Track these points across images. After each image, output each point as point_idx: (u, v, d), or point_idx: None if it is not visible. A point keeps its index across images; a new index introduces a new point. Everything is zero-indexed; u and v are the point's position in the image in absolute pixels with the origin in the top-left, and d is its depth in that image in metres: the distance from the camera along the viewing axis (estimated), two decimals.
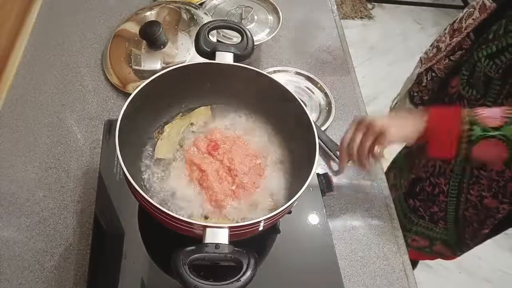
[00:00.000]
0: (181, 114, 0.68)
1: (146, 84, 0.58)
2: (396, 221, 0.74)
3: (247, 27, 0.71)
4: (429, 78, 0.88)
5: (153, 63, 0.84)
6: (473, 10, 0.79)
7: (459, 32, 0.81)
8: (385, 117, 0.66)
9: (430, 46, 0.90)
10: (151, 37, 0.83)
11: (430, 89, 0.89)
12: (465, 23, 0.80)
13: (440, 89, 0.87)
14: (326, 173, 0.74)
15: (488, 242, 0.95)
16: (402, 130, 0.64)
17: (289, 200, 0.51)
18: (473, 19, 0.78)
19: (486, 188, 0.81)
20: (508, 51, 0.68)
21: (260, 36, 0.91)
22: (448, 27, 0.86)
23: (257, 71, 0.62)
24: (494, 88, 0.72)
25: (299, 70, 0.90)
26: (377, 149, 0.64)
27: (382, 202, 0.76)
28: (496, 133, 0.60)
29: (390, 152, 1.06)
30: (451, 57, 0.83)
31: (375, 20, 2.58)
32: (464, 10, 0.83)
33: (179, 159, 0.63)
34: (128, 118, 0.55)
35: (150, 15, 0.91)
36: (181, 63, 0.83)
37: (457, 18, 0.85)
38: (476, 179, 0.81)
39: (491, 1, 0.74)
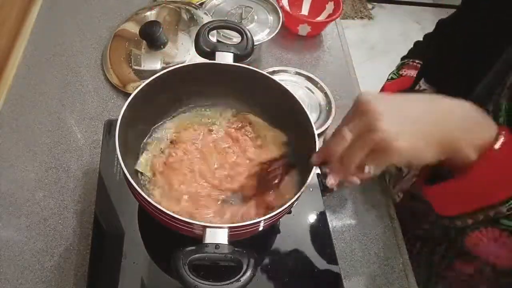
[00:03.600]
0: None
1: (146, 84, 0.58)
2: (396, 221, 0.74)
3: (247, 27, 0.71)
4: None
5: (153, 63, 0.84)
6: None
7: None
8: (402, 109, 0.39)
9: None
10: (151, 37, 0.83)
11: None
12: None
13: None
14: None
15: None
16: (420, 146, 0.37)
17: (289, 200, 0.51)
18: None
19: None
20: None
21: (260, 36, 0.91)
22: None
23: (257, 71, 0.62)
24: None
25: (299, 70, 0.90)
26: (367, 168, 0.42)
27: (382, 202, 0.76)
28: None
29: None
30: None
31: (375, 20, 2.59)
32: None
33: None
34: (128, 118, 0.55)
35: (150, 15, 0.91)
36: (181, 63, 0.83)
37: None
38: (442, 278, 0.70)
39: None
